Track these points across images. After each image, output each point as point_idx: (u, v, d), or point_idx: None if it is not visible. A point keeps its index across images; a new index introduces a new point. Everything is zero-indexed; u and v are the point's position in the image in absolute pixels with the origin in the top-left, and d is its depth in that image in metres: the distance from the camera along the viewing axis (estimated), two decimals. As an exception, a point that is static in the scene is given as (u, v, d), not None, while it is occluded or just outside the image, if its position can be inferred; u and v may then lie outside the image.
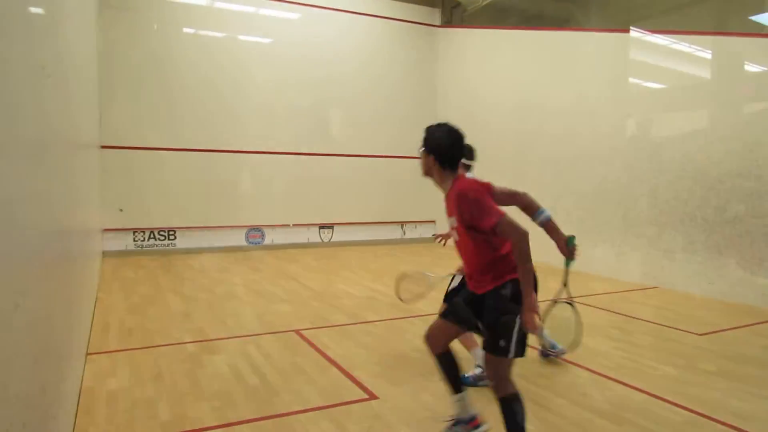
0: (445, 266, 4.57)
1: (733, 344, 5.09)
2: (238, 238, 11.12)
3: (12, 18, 1.62)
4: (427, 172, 3.03)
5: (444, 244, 4.52)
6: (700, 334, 5.38)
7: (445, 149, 2.91)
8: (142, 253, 10.23)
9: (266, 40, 11.20)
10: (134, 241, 10.24)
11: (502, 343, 2.66)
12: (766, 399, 3.77)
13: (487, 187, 2.88)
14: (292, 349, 4.75)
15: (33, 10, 2.04)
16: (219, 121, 10.79)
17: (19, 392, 1.61)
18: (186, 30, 10.54)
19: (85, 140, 5.42)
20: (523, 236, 2.63)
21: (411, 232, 12.99)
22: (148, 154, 10.23)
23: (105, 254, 9.76)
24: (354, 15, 12.00)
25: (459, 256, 3.01)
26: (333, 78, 11.82)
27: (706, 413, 3.49)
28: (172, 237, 10.54)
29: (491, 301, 2.75)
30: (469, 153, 4.36)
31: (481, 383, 3.82)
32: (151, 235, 10.39)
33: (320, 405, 3.57)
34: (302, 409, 3.50)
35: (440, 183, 2.97)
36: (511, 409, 2.69)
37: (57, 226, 2.74)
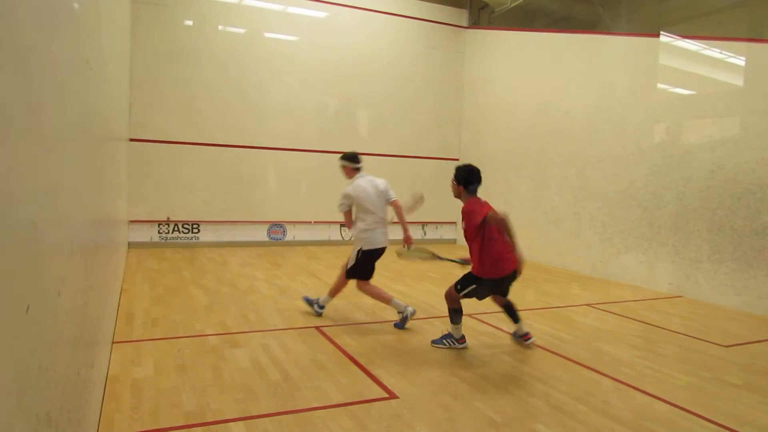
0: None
1: (760, 358, 4.99)
2: (260, 234, 11.23)
3: (62, 13, 1.67)
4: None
5: None
6: (726, 346, 5.29)
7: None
8: (166, 245, 10.38)
9: (293, 38, 11.27)
10: (159, 233, 10.40)
11: (458, 286, 4.63)
12: (794, 414, 3.70)
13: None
14: (313, 346, 4.79)
15: (80, 7, 2.09)
16: (245, 117, 10.90)
17: (60, 377, 1.66)
18: (214, 26, 10.66)
19: (117, 133, 5.53)
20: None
21: (432, 233, 12.98)
22: (174, 148, 10.38)
23: (130, 245, 9.93)
24: (381, 14, 12.02)
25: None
26: (359, 77, 11.85)
27: (733, 427, 3.43)
28: (195, 230, 10.68)
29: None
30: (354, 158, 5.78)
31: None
32: (176, 228, 10.54)
33: (340, 402, 3.59)
34: (322, 405, 3.53)
35: None
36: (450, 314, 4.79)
37: (93, 216, 2.80)
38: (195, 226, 10.67)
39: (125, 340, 4.69)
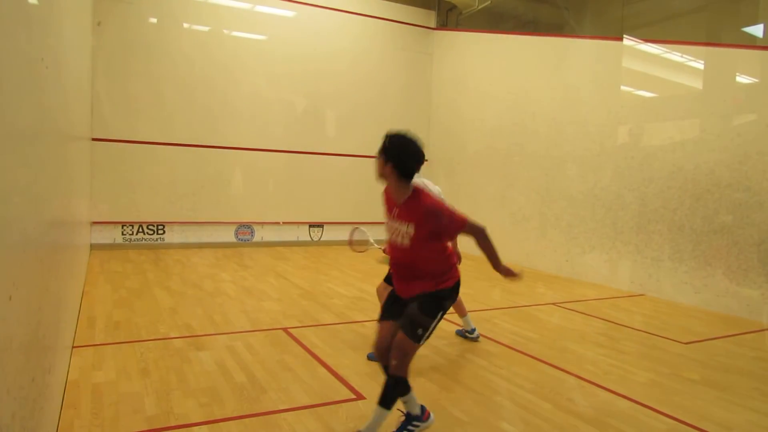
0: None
1: (717, 354, 5.15)
2: (228, 235, 11.08)
3: (11, 9, 1.62)
4: (383, 177, 3.09)
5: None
6: (685, 343, 5.44)
7: (405, 159, 3.00)
8: (129, 246, 10.15)
9: (261, 37, 11.16)
10: (122, 234, 10.17)
11: (419, 331, 2.99)
12: (749, 409, 3.82)
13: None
14: (280, 347, 4.75)
15: (32, 1, 2.03)
16: (211, 117, 10.73)
17: (12, 383, 1.61)
18: (180, 24, 10.47)
19: (77, 132, 5.39)
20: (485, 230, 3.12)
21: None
22: (139, 147, 10.16)
23: (93, 247, 9.69)
24: (350, 15, 11.99)
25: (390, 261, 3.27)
26: (327, 77, 11.80)
27: (690, 422, 3.53)
28: (161, 231, 10.48)
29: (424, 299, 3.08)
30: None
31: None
32: (140, 229, 10.32)
33: (307, 404, 3.57)
34: (289, 407, 3.50)
35: (396, 190, 3.07)
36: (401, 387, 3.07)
37: (49, 217, 2.72)
38: (160, 227, 10.47)
39: (86, 344, 4.57)
